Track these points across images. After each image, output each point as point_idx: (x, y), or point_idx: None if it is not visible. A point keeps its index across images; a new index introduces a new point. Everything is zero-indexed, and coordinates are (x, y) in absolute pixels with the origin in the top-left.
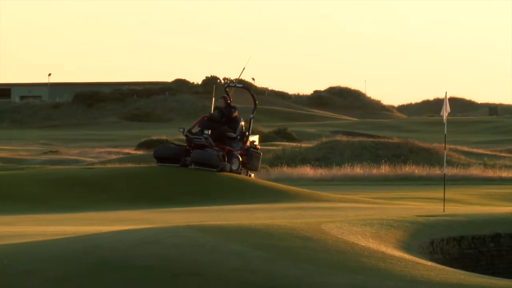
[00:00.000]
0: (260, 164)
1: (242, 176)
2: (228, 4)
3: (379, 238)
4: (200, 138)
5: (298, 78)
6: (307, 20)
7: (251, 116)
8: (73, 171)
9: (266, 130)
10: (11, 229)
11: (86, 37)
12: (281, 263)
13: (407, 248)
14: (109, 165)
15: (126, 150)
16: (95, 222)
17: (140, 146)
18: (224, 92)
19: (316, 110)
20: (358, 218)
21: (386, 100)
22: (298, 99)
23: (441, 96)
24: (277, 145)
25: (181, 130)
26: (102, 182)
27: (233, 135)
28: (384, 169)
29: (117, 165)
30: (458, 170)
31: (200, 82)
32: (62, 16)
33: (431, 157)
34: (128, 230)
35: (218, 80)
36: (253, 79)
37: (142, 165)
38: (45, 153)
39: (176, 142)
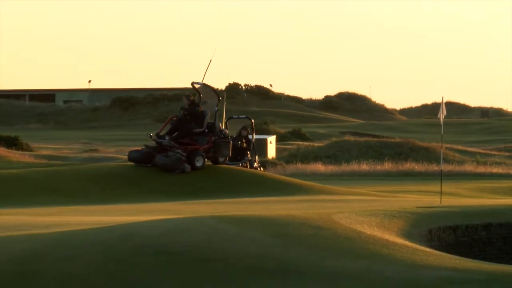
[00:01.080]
0: (230, 150)
1: (260, 171)
2: (245, 14)
3: (383, 227)
4: (163, 140)
5: (311, 84)
6: (319, 33)
7: (216, 109)
8: (110, 167)
9: (282, 131)
10: (55, 219)
11: (122, 48)
12: (295, 249)
13: (408, 236)
14: (126, 164)
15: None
16: (129, 213)
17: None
18: (194, 88)
19: (327, 113)
20: (364, 209)
21: (389, 104)
22: (311, 103)
23: (438, 100)
24: (292, 144)
25: (148, 136)
26: (135, 177)
27: (200, 130)
28: (387, 166)
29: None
30: (453, 166)
31: (223, 88)
32: (100, 29)
33: (429, 155)
34: (159, 220)
35: (240, 87)
36: (271, 85)
37: None
38: (85, 151)
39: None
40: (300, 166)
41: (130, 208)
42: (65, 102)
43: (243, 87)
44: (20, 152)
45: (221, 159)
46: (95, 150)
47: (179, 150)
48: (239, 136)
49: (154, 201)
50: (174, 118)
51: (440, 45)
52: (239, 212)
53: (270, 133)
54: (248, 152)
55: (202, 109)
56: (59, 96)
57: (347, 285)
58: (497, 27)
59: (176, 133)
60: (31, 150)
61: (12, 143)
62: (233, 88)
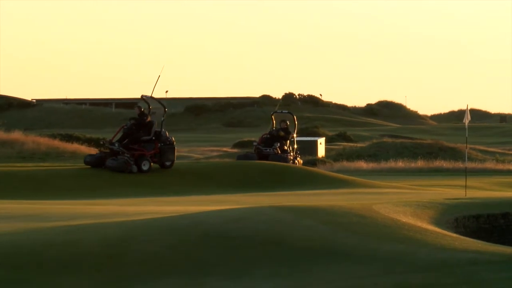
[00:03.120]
0: (175, 155)
1: (312, 168)
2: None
3: (416, 215)
4: (113, 146)
5: (354, 94)
6: (362, 49)
7: (162, 118)
8: (184, 164)
9: (330, 133)
10: (137, 209)
11: (194, 63)
12: (341, 235)
13: (437, 223)
14: (211, 160)
15: (224, 149)
16: (200, 203)
17: (234, 145)
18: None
19: (368, 119)
20: (400, 201)
21: (422, 111)
22: (354, 110)
23: (463, 107)
24: (339, 145)
25: (102, 142)
26: (205, 172)
27: (148, 137)
28: (420, 164)
29: (217, 160)
30: (476, 164)
31: (280, 97)
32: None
33: (455, 154)
34: (225, 209)
35: (294, 96)
36: (321, 95)
37: (235, 160)
38: None
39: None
40: (345, 164)
41: (201, 199)
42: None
43: (297, 96)
44: None
45: (167, 163)
46: None
47: (127, 155)
48: (279, 128)
49: (221, 193)
50: (125, 127)
51: (465, 58)
52: (294, 203)
53: (320, 135)
54: (287, 142)
55: (150, 119)
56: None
57: (386, 266)
58: None
59: (126, 140)
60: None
61: (100, 144)
62: (288, 97)
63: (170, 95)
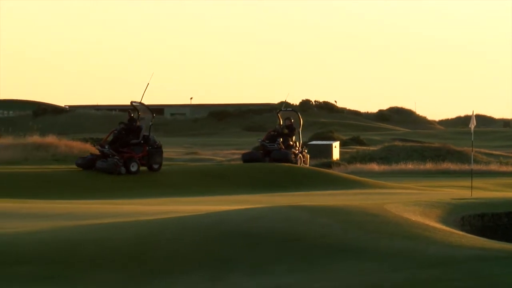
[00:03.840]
0: (162, 158)
1: (327, 170)
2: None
3: (424, 214)
4: (104, 149)
5: (367, 100)
6: (374, 58)
7: (150, 123)
8: (207, 166)
9: (344, 137)
10: (162, 208)
11: (217, 72)
12: (355, 232)
13: (444, 222)
14: (233, 163)
15: (245, 151)
16: (221, 203)
17: (254, 148)
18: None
19: (380, 124)
20: (410, 200)
21: (430, 116)
22: (367, 116)
23: (469, 113)
24: (352, 148)
25: (94, 145)
26: (227, 174)
27: (136, 141)
28: (428, 166)
29: (238, 163)
30: (481, 166)
31: (297, 103)
32: (199, 57)
33: (462, 157)
34: (245, 208)
35: (311, 102)
36: (335, 101)
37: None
38: (187, 154)
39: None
40: (358, 166)
41: (223, 199)
42: (172, 114)
43: (313, 103)
44: None
45: (155, 166)
46: (195, 153)
47: (116, 157)
48: (284, 125)
49: (242, 194)
50: (115, 131)
51: (471, 66)
52: (310, 203)
53: (335, 139)
54: (293, 138)
55: (139, 124)
56: (167, 110)
57: (397, 261)
58: None
59: (116, 144)
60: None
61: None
62: (305, 103)
63: (195, 101)
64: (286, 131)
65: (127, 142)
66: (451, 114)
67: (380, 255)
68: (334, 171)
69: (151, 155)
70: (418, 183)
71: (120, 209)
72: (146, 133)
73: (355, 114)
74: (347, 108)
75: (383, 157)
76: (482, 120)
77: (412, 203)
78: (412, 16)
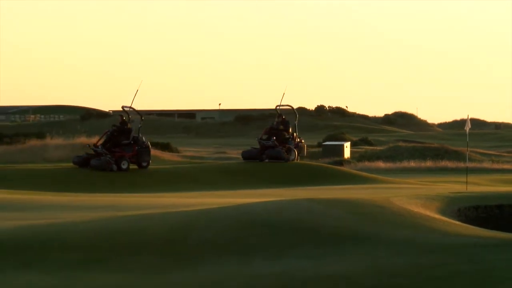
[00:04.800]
0: (150, 156)
1: (339, 167)
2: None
3: (425, 206)
4: (97, 149)
5: (375, 106)
6: (382, 67)
7: (139, 125)
8: (233, 164)
9: (355, 139)
10: (195, 201)
11: (244, 79)
12: (364, 223)
13: (442, 213)
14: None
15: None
16: (246, 196)
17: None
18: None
19: (386, 126)
20: (412, 194)
21: (430, 120)
22: (374, 119)
23: (465, 117)
24: (361, 148)
25: (88, 146)
26: (251, 171)
27: (127, 142)
28: (428, 164)
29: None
30: (475, 164)
31: (313, 108)
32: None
33: (458, 156)
34: (268, 201)
35: (325, 107)
36: (346, 106)
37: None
38: (216, 153)
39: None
40: (367, 164)
41: (247, 193)
42: (202, 118)
43: (327, 108)
44: (170, 153)
45: (143, 164)
46: (223, 152)
47: (108, 156)
48: (279, 121)
49: (264, 188)
50: (108, 132)
51: (466, 75)
52: (324, 196)
53: (346, 140)
54: (288, 132)
55: (130, 126)
56: (198, 114)
57: (401, 248)
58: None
59: (108, 144)
60: (178, 152)
61: (165, 147)
62: (320, 108)
63: (223, 107)
64: (281, 127)
65: (119, 143)
66: (448, 118)
67: (386, 242)
68: (345, 168)
69: (140, 154)
70: (420, 179)
71: (157, 201)
72: (136, 135)
73: (364, 118)
74: (357, 112)
75: (389, 156)
76: (476, 123)
77: (414, 196)
78: (416, 31)
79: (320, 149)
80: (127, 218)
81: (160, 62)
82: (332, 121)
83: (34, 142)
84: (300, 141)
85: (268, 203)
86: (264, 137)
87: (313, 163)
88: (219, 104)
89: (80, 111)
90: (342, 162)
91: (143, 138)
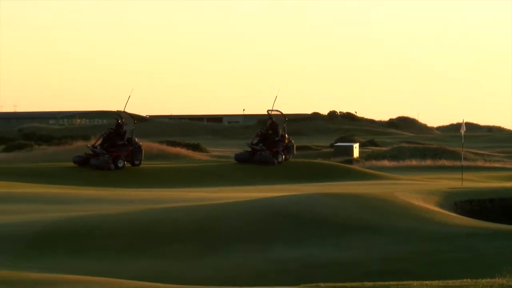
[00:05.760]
0: (142, 156)
1: (349, 165)
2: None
3: (425, 200)
4: (96, 149)
5: (381, 111)
6: (387, 77)
7: (132, 128)
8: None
9: (363, 140)
10: (223, 195)
11: (266, 86)
12: (370, 214)
13: (441, 206)
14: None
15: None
16: (267, 191)
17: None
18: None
19: (390, 129)
20: (414, 189)
21: (430, 124)
22: (380, 123)
23: (460, 121)
24: (369, 149)
25: (87, 146)
26: (270, 169)
27: (122, 142)
28: (428, 162)
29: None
30: (470, 162)
31: (326, 114)
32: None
33: (455, 156)
34: (287, 195)
35: (336, 113)
36: (356, 112)
37: (298, 159)
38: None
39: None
40: (373, 162)
41: (267, 188)
42: (229, 122)
43: (339, 113)
44: (200, 153)
45: (136, 162)
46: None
47: (106, 155)
48: (268, 126)
49: (283, 184)
50: (104, 134)
51: (462, 85)
52: (336, 191)
53: (355, 142)
54: (278, 134)
55: (125, 128)
56: (225, 118)
57: (403, 236)
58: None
59: (105, 144)
60: (207, 152)
61: (195, 147)
62: (332, 113)
63: (247, 112)
64: (270, 131)
65: (115, 143)
66: (446, 122)
67: (390, 232)
68: (354, 166)
69: (134, 153)
70: (420, 176)
71: (188, 195)
72: (130, 136)
73: (371, 122)
74: (365, 117)
75: (393, 155)
76: (470, 126)
77: (416, 191)
78: (418, 46)
79: (332, 149)
80: (163, 210)
81: (191, 73)
82: (343, 124)
83: (80, 143)
84: (290, 142)
85: (287, 197)
86: (255, 141)
87: (326, 161)
88: (243, 110)
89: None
90: (352, 161)
91: (136, 139)
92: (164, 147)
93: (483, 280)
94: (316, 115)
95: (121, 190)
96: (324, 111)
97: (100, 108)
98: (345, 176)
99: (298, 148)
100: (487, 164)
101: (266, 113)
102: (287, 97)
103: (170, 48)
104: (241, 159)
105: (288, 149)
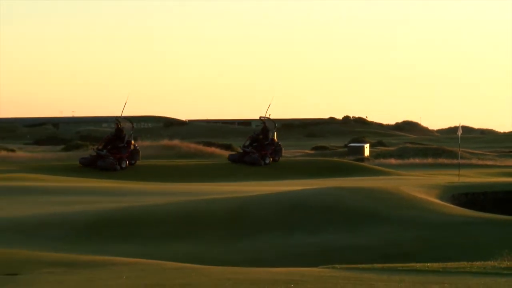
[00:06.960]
0: (139, 156)
1: (361, 163)
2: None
3: (427, 193)
4: (101, 151)
5: (387, 116)
6: (393, 84)
7: (131, 132)
8: (281, 161)
9: (373, 141)
10: (250, 188)
11: (281, 93)
12: (377, 204)
13: (441, 198)
14: (298, 159)
15: (306, 151)
16: (288, 185)
17: (312, 148)
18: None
19: (396, 132)
20: (417, 183)
21: (431, 127)
22: (388, 126)
23: (457, 124)
24: (378, 149)
25: (92, 149)
26: (293, 166)
27: (123, 145)
28: (430, 160)
29: (301, 158)
30: (465, 160)
31: (341, 118)
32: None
33: (452, 155)
34: (305, 189)
35: (349, 117)
36: (366, 116)
37: (313, 158)
38: None
39: (240, 146)
40: (382, 161)
41: (288, 183)
42: (256, 125)
43: (352, 118)
44: (232, 152)
45: (132, 162)
46: None
47: (111, 157)
48: (259, 131)
49: (299, 179)
50: (107, 138)
51: (458, 92)
52: (349, 185)
53: (366, 142)
54: (268, 138)
55: (124, 132)
56: (253, 122)
57: (408, 225)
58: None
59: (109, 147)
60: (238, 151)
61: (227, 147)
62: (346, 118)
63: (273, 117)
64: (261, 136)
65: (116, 146)
66: (445, 125)
67: (396, 220)
68: (365, 164)
69: (132, 154)
70: (422, 172)
71: (219, 189)
72: (129, 139)
73: (380, 125)
74: (374, 121)
75: (398, 154)
76: (466, 129)
77: (418, 185)
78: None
79: (346, 149)
80: (200, 201)
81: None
82: (355, 127)
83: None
84: (278, 145)
85: (306, 191)
86: (247, 143)
87: (340, 160)
88: (269, 115)
89: (163, 120)
90: (363, 159)
91: (133, 142)
92: (201, 147)
93: (477, 263)
94: (332, 120)
95: (161, 184)
96: (339, 116)
97: (146, 113)
98: (357, 172)
99: (317, 148)
100: (481, 162)
101: (259, 119)
102: (308, 103)
103: (206, 63)
104: (233, 159)
105: (276, 152)
